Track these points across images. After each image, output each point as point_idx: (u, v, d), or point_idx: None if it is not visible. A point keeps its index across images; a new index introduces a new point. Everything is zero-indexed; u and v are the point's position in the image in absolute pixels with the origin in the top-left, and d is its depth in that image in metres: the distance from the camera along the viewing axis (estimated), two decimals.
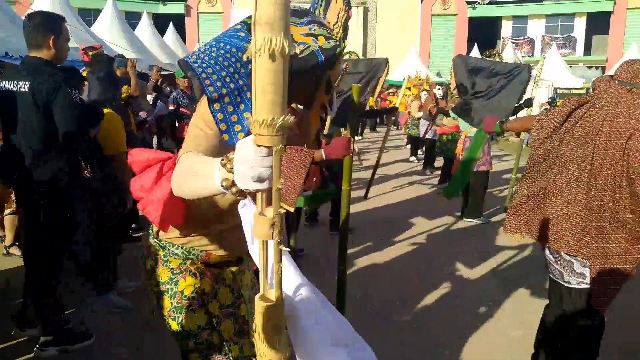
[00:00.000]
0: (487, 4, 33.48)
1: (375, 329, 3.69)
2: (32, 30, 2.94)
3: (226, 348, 1.76)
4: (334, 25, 1.56)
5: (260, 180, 0.94)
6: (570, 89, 25.22)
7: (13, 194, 4.19)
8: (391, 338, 3.58)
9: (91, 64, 4.78)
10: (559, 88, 22.94)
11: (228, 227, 1.66)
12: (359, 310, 3.95)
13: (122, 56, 6.12)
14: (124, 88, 4.98)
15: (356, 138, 8.67)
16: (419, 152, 12.15)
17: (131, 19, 21.08)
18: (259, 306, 1.00)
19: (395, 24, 32.10)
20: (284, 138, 0.90)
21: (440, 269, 4.97)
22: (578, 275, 2.53)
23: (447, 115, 9.15)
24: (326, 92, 1.56)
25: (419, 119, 11.08)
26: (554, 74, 21.65)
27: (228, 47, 1.45)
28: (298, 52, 1.41)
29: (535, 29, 33.29)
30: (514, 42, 30.66)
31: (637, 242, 2.34)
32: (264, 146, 0.91)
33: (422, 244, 5.79)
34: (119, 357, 3.23)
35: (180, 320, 1.70)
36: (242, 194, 1.02)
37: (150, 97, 7.16)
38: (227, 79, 1.41)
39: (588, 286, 2.50)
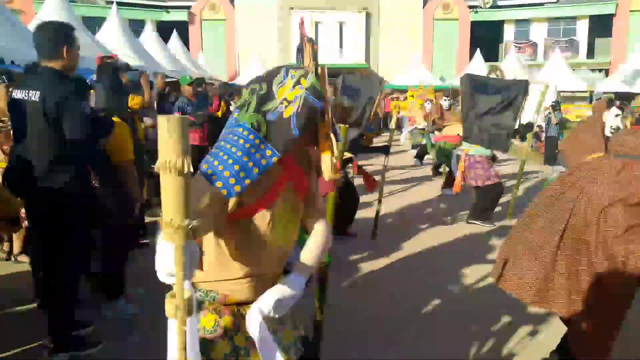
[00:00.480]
0: (489, 8, 33.53)
1: (382, 335, 3.69)
2: (44, 40, 2.97)
3: None
4: (309, 65, 1.66)
5: (167, 275, 1.12)
6: (573, 92, 25.22)
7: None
8: (400, 347, 3.58)
9: (98, 71, 4.83)
10: (562, 91, 22.92)
11: (246, 277, 1.69)
12: (366, 315, 3.96)
13: (128, 66, 6.16)
14: (138, 99, 5.03)
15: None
16: (426, 157, 12.07)
17: (135, 27, 21.20)
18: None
19: (397, 29, 32.16)
20: (186, 237, 1.05)
21: (447, 273, 4.97)
22: None
23: (439, 131, 9.28)
24: (322, 120, 1.61)
25: (423, 128, 11.13)
26: (557, 77, 21.62)
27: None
28: (298, 108, 1.51)
29: (538, 32, 33.30)
30: (516, 46, 30.69)
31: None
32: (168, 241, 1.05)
33: (428, 248, 5.79)
34: None
35: (207, 354, 1.65)
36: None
37: (154, 103, 7.19)
38: (221, 153, 1.49)
39: None
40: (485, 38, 31.98)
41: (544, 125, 13.64)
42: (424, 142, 10.79)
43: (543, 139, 13.64)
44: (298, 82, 1.53)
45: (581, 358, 2.55)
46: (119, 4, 17.02)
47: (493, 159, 6.92)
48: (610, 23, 31.31)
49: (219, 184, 1.43)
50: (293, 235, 1.82)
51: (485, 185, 6.53)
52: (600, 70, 29.46)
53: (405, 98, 15.98)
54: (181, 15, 32.73)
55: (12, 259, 4.86)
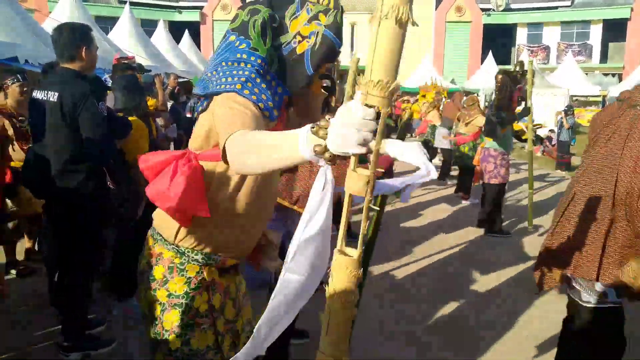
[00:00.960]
0: (502, 11, 33.37)
1: (396, 342, 3.68)
2: (63, 42, 3.00)
3: None
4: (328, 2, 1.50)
5: (363, 143, 0.94)
6: (586, 96, 25.07)
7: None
8: (414, 353, 3.57)
9: (113, 72, 4.88)
10: (575, 96, 22.77)
11: (246, 222, 1.64)
12: (380, 323, 3.94)
13: (142, 67, 6.20)
14: (152, 101, 5.07)
15: None
16: (436, 160, 11.92)
17: (147, 27, 21.31)
18: (339, 259, 1.03)
19: (409, 31, 31.82)
20: (390, 102, 0.93)
21: (461, 281, 4.94)
22: (599, 295, 2.39)
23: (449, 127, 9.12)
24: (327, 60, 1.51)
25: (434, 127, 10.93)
26: (570, 81, 21.50)
27: (229, 56, 1.49)
28: (313, 44, 1.43)
29: (551, 36, 33.11)
30: (529, 50, 30.55)
31: None
32: (370, 106, 0.92)
33: (442, 255, 5.76)
34: None
35: (187, 338, 1.61)
36: (333, 160, 1.00)
37: (168, 105, 7.23)
38: (240, 72, 1.44)
39: (610, 305, 2.39)
40: (498, 41, 31.86)
41: (556, 129, 13.54)
42: (435, 143, 10.54)
43: (554, 143, 13.54)
44: (316, 17, 1.44)
45: None
46: (131, 3, 17.15)
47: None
48: (625, 27, 31.06)
49: (261, 104, 1.42)
50: (275, 191, 1.82)
51: (489, 182, 6.44)
52: (613, 75, 29.24)
53: (417, 100, 15.90)
54: (193, 16, 32.91)
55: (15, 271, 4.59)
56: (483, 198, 6.67)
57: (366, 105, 0.93)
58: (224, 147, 1.27)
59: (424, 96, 12.39)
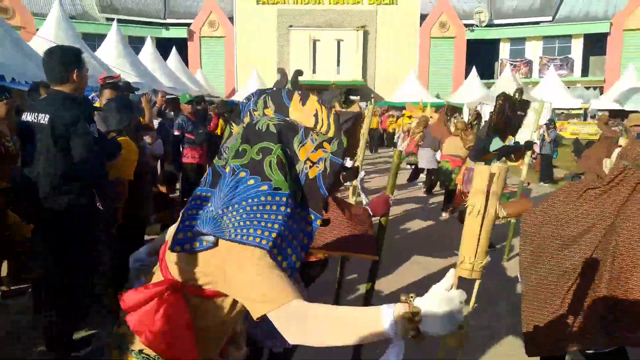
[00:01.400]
0: (485, 26, 33.95)
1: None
2: (55, 65, 3.05)
3: None
4: (315, 126, 1.56)
5: (457, 322, 1.12)
6: (568, 109, 25.49)
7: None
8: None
9: (101, 90, 4.93)
10: (557, 109, 23.16)
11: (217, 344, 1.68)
12: None
13: (129, 85, 6.26)
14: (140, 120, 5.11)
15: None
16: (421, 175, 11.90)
17: (135, 44, 21.39)
18: None
19: (394, 46, 32.51)
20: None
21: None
22: None
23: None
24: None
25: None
26: (553, 94, 21.87)
27: (250, 200, 1.46)
28: (324, 170, 1.50)
29: (533, 50, 33.70)
30: (512, 64, 31.06)
31: None
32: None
33: (428, 271, 5.83)
34: None
35: None
36: (418, 337, 1.14)
37: (155, 122, 7.29)
38: (269, 224, 1.42)
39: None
40: (481, 56, 32.34)
41: (538, 142, 13.77)
42: (418, 162, 10.57)
43: (537, 155, 13.77)
44: (321, 146, 1.51)
45: None
46: (119, 21, 17.21)
47: None
48: (605, 42, 31.72)
49: (285, 264, 1.43)
50: None
51: None
52: (595, 88, 29.78)
53: (402, 115, 16.09)
54: (180, 33, 33.04)
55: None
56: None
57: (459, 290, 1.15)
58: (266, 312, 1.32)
59: (410, 117, 12.50)
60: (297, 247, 1.48)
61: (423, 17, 32.76)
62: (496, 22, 34.29)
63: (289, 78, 3.50)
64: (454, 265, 1.24)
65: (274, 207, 1.44)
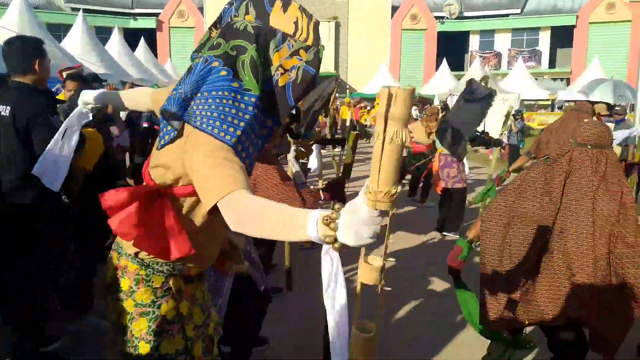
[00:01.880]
0: (455, 19, 34.28)
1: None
2: (15, 55, 2.97)
3: None
4: (294, 34, 1.54)
5: (374, 237, 1.10)
6: (536, 100, 25.97)
7: None
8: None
9: (65, 82, 4.80)
10: (525, 100, 23.56)
11: (206, 239, 1.70)
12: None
13: (96, 77, 6.13)
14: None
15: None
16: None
17: (102, 34, 20.95)
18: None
19: (366, 38, 32.59)
20: (395, 204, 1.12)
21: (427, 285, 5.06)
22: None
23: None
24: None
25: None
26: (521, 86, 22.24)
27: (220, 92, 1.47)
28: (295, 78, 1.48)
29: (502, 42, 34.20)
30: (481, 56, 31.44)
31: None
32: (382, 211, 1.10)
33: (406, 260, 5.88)
34: None
35: (156, 344, 1.67)
36: (342, 249, 1.16)
37: (123, 114, 7.15)
38: (236, 121, 1.45)
39: None
40: (452, 48, 32.67)
41: (506, 133, 14.01)
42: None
43: (505, 145, 14.03)
44: (297, 53, 1.48)
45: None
46: (85, 10, 16.82)
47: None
48: (571, 34, 32.37)
49: (247, 161, 1.49)
50: None
51: (454, 187, 6.56)
52: (562, 80, 30.41)
53: (373, 107, 16.17)
54: (149, 23, 32.49)
55: None
56: (445, 202, 6.80)
57: (377, 210, 1.10)
58: (216, 202, 1.32)
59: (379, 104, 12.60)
60: (253, 149, 1.51)
61: (394, 9, 32.91)
62: (466, 14, 34.67)
63: None
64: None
65: (242, 106, 1.47)
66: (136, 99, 2.06)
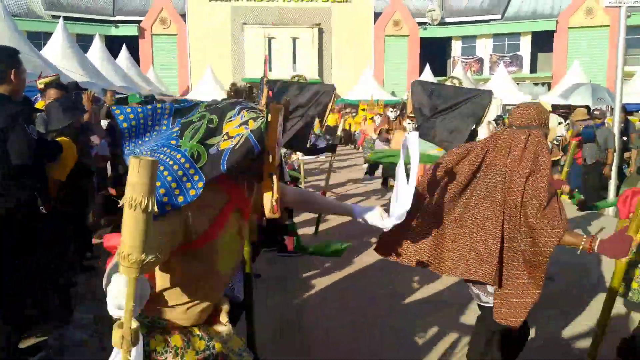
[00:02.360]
0: (438, 24, 34.57)
1: (346, 343, 3.74)
2: None
3: None
4: (262, 106, 1.63)
5: (119, 308, 1.16)
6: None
7: None
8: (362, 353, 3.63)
9: (44, 91, 4.74)
10: (508, 105, 23.80)
11: (193, 304, 1.70)
12: (327, 327, 4.00)
13: (77, 85, 6.06)
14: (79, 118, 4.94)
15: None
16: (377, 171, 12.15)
17: (83, 42, 20.76)
18: None
19: (349, 44, 32.72)
20: (141, 271, 1.13)
21: (406, 290, 5.07)
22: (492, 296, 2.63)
23: (388, 142, 9.29)
24: (271, 161, 1.60)
25: (374, 140, 11.24)
26: (502, 91, 22.48)
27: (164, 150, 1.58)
28: (235, 145, 1.51)
29: (484, 48, 34.54)
30: (463, 62, 31.73)
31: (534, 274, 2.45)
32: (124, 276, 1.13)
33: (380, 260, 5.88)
34: None
35: None
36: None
37: (104, 123, 7.07)
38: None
39: None
40: (435, 54, 32.92)
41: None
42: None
43: None
44: (246, 123, 1.54)
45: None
46: (65, 18, 16.67)
47: None
48: (552, 39, 32.81)
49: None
50: (238, 259, 1.85)
51: None
52: (543, 84, 30.79)
53: (357, 113, 16.25)
54: (131, 30, 32.26)
55: None
56: None
57: (119, 273, 1.15)
58: None
59: (363, 109, 12.67)
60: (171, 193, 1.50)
61: (377, 16, 33.10)
62: (448, 20, 34.98)
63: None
64: None
65: (165, 158, 1.53)
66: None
